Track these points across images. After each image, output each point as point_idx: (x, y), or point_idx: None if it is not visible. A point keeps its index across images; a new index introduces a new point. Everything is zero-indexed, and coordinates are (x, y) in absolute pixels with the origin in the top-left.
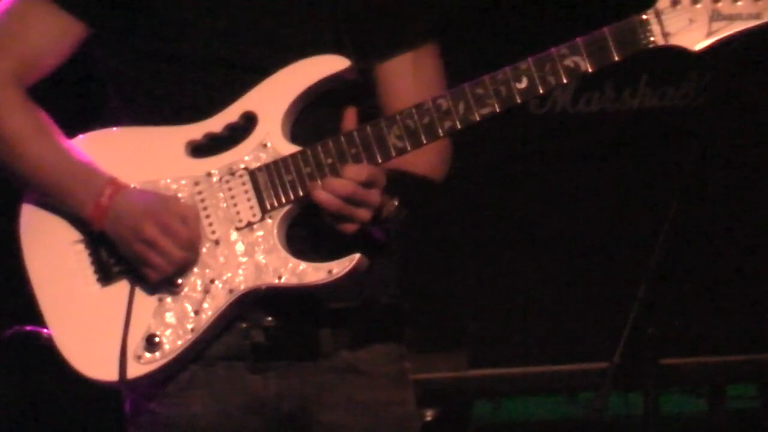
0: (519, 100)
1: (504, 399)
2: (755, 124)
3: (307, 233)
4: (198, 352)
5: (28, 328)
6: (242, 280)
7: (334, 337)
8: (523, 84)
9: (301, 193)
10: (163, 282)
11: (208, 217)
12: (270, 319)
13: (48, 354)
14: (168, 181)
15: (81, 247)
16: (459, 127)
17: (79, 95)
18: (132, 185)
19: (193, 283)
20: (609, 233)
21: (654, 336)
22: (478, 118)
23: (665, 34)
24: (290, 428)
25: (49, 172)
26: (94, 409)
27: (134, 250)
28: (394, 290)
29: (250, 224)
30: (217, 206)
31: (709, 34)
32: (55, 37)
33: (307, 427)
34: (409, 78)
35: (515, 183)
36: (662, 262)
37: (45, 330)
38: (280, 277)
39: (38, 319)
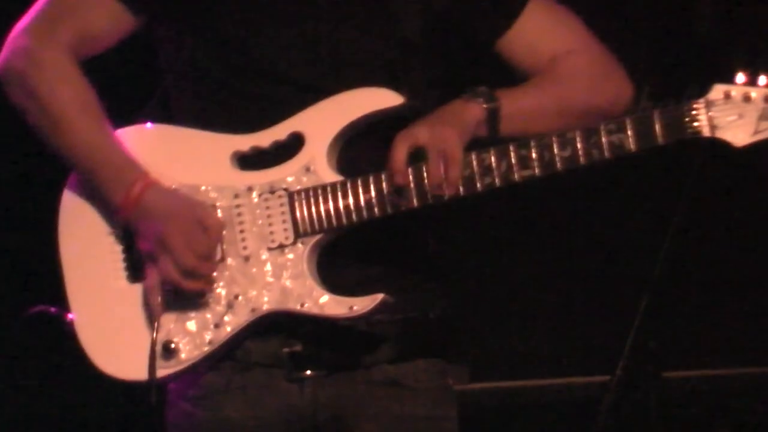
0: (560, 168)
1: (505, 413)
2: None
3: (342, 262)
4: (215, 360)
5: (53, 309)
6: (266, 300)
7: (375, 349)
8: (567, 152)
9: (335, 224)
10: (172, 283)
11: (242, 232)
12: (310, 328)
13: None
14: (209, 188)
15: (115, 240)
16: (498, 185)
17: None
18: (173, 186)
19: (217, 295)
20: (610, 246)
21: (656, 349)
22: (517, 179)
23: (713, 126)
24: None
25: (86, 153)
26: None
27: (149, 247)
28: (445, 305)
29: (281, 246)
30: (253, 222)
31: (756, 132)
32: (109, 22)
33: None
34: (543, 25)
35: (512, 198)
36: (664, 275)
37: (69, 315)
38: (302, 305)
39: (63, 302)
